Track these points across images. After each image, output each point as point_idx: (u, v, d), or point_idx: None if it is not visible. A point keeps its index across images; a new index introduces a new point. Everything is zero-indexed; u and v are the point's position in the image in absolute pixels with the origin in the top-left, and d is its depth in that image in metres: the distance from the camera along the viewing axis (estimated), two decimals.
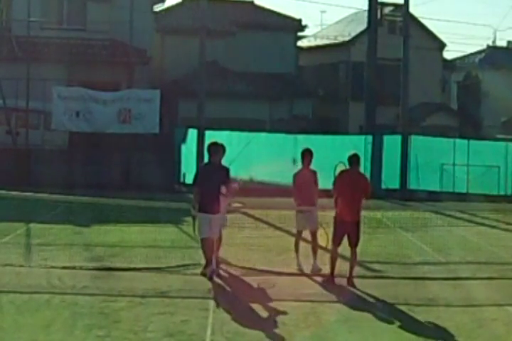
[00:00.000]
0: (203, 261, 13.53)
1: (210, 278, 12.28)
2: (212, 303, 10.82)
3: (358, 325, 10.01)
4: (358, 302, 11.21)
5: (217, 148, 12.77)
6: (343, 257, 14.71)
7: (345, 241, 12.50)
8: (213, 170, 12.57)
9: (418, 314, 10.63)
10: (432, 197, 27.08)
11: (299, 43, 42.43)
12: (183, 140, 28.53)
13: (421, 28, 42.70)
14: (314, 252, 13.40)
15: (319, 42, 45.11)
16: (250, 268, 13.23)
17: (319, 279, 12.62)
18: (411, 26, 32.00)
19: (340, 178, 12.56)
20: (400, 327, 9.97)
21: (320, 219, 13.69)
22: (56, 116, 28.06)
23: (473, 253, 15.77)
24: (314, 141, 27.39)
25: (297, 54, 40.51)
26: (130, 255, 14.33)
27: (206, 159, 13.40)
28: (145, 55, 31.40)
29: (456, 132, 38.77)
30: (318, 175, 13.61)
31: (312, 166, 13.61)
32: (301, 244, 13.79)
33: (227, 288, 11.94)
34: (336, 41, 43.41)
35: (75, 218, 18.43)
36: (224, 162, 12.99)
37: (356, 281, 12.61)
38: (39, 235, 16.49)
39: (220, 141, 13.18)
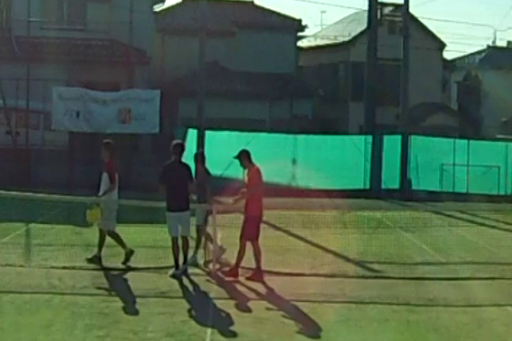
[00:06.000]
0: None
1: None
2: (212, 303, 10.83)
3: (358, 325, 10.01)
4: (358, 303, 11.22)
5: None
6: (344, 257, 14.74)
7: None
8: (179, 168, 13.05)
9: (418, 314, 10.64)
10: (432, 197, 27.05)
11: (299, 43, 42.38)
12: (183, 140, 28.47)
13: (421, 28, 42.63)
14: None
15: (319, 42, 45.08)
16: (250, 268, 13.21)
17: (319, 279, 12.62)
18: (411, 26, 31.98)
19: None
20: (400, 327, 9.97)
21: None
22: (56, 116, 27.99)
23: (473, 254, 15.77)
24: (314, 141, 27.48)
25: (297, 54, 40.47)
26: None
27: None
28: (145, 55, 31.36)
29: (456, 132, 38.70)
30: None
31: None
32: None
33: (227, 289, 11.93)
34: (336, 41, 43.36)
35: (75, 218, 18.39)
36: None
37: (356, 281, 12.63)
38: (39, 235, 16.50)
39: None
